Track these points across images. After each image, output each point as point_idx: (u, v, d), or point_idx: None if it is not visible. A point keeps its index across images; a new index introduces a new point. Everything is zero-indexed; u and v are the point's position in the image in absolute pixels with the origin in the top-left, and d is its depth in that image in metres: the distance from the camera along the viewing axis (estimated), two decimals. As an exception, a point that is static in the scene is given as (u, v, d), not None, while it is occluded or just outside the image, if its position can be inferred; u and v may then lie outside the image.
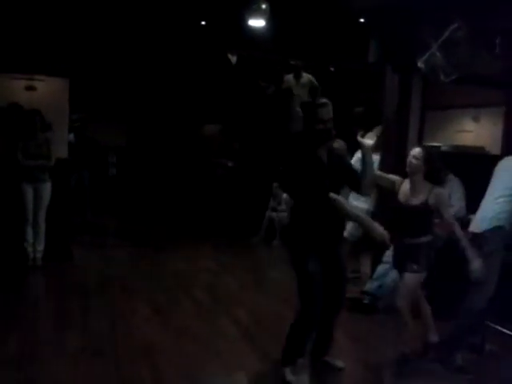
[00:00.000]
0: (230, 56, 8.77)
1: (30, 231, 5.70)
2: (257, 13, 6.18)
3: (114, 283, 5.32)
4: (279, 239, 7.53)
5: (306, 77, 7.63)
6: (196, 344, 3.85)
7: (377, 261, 4.97)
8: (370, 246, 5.58)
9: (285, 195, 7.65)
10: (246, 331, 4.16)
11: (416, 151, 3.49)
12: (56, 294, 5.02)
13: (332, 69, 9.39)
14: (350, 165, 3.48)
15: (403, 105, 5.38)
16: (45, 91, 6.11)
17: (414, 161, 3.46)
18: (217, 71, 9.47)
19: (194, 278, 5.76)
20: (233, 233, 8.31)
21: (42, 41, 5.90)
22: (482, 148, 6.51)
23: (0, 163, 5.75)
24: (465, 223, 4.23)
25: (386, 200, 5.46)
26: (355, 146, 5.17)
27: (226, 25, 7.64)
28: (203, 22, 8.32)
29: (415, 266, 3.41)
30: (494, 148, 6.32)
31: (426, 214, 3.49)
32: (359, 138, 3.28)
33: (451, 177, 4.71)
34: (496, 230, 3.53)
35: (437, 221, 4.57)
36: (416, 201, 3.45)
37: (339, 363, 3.50)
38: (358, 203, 5.49)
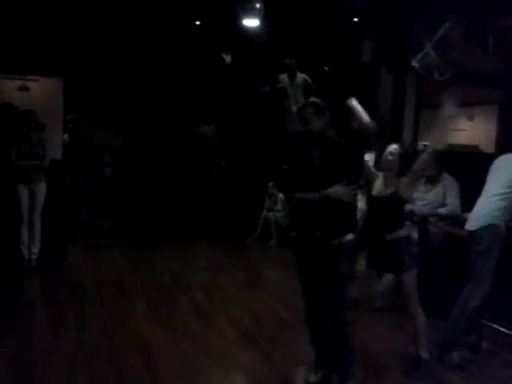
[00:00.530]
0: (224, 56, 8.76)
1: (25, 232, 5.68)
2: (251, 12, 6.17)
3: (109, 283, 5.30)
4: (275, 239, 7.53)
5: (301, 76, 7.62)
6: (193, 344, 3.84)
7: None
8: (366, 245, 5.60)
9: (280, 195, 7.66)
10: (243, 331, 4.16)
11: (392, 147, 3.48)
12: (52, 294, 4.99)
13: (326, 68, 9.40)
14: (356, 161, 3.13)
15: (398, 104, 5.41)
16: (38, 91, 6.08)
17: (389, 157, 3.45)
18: (211, 71, 9.46)
19: (190, 277, 5.76)
20: (229, 233, 8.31)
21: (35, 41, 5.87)
22: (476, 146, 6.55)
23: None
24: (460, 222, 4.26)
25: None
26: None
27: (221, 24, 7.63)
28: (197, 22, 8.31)
29: (403, 267, 3.39)
30: (488, 146, 6.36)
31: (397, 203, 3.44)
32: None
33: (446, 175, 4.74)
34: (490, 228, 3.55)
35: (432, 219, 4.62)
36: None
37: None
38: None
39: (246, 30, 6.77)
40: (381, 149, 5.50)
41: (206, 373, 3.43)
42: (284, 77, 7.68)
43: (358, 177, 3.09)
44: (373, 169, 3.73)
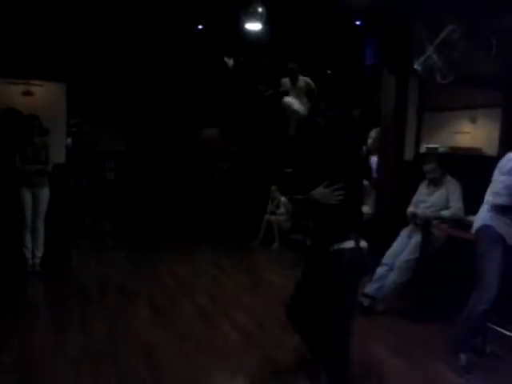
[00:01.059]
0: (226, 60, 8.79)
1: (28, 236, 5.69)
2: (253, 16, 6.19)
3: (113, 287, 5.32)
4: (278, 242, 7.53)
5: (303, 80, 7.64)
6: (196, 346, 3.84)
7: (376, 263, 4.97)
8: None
9: (283, 198, 7.67)
10: (246, 333, 4.16)
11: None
12: (56, 298, 5.01)
13: (329, 71, 9.42)
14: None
15: (400, 107, 5.40)
16: (42, 96, 6.10)
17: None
18: (214, 75, 9.49)
19: (193, 280, 5.76)
20: (231, 236, 8.31)
21: (39, 46, 5.90)
22: (479, 149, 6.54)
23: (-2, 168, 5.75)
24: (463, 224, 4.25)
25: (384, 202, 5.49)
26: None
27: (223, 28, 7.66)
28: (200, 26, 8.35)
29: None
30: (492, 149, 6.34)
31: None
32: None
33: (449, 178, 4.74)
34: (485, 229, 3.54)
35: (435, 222, 4.61)
36: None
37: None
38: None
39: (248, 34, 6.80)
40: (383, 152, 5.52)
41: (208, 375, 3.43)
42: (286, 80, 7.70)
43: (344, 176, 2.71)
44: None
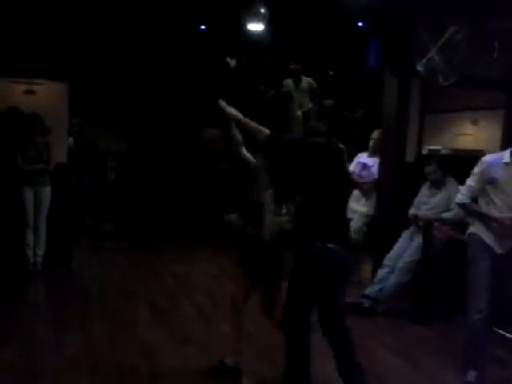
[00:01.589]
0: (229, 60, 8.79)
1: (30, 235, 5.69)
2: (256, 17, 6.20)
3: (113, 287, 5.31)
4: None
5: (306, 80, 7.64)
6: (196, 347, 3.84)
7: (377, 264, 4.97)
8: (370, 249, 5.58)
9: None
10: (246, 335, 4.15)
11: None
12: (56, 297, 5.01)
13: (331, 72, 9.42)
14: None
15: (402, 108, 5.39)
16: (44, 95, 6.11)
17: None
18: (216, 75, 9.49)
19: (193, 281, 5.76)
20: (231, 236, 8.29)
21: (41, 45, 5.90)
22: (481, 151, 6.52)
23: (0, 167, 5.75)
24: (464, 227, 4.23)
25: (386, 203, 5.48)
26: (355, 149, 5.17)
27: (226, 29, 7.67)
28: (202, 27, 8.36)
29: None
30: (493, 151, 6.32)
31: None
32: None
33: (451, 180, 4.73)
34: (470, 236, 3.46)
35: (436, 224, 4.60)
36: None
37: None
38: (357, 206, 5.51)
39: (250, 35, 6.80)
40: (385, 154, 5.51)
41: (209, 376, 3.41)
42: (289, 81, 7.70)
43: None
44: None
